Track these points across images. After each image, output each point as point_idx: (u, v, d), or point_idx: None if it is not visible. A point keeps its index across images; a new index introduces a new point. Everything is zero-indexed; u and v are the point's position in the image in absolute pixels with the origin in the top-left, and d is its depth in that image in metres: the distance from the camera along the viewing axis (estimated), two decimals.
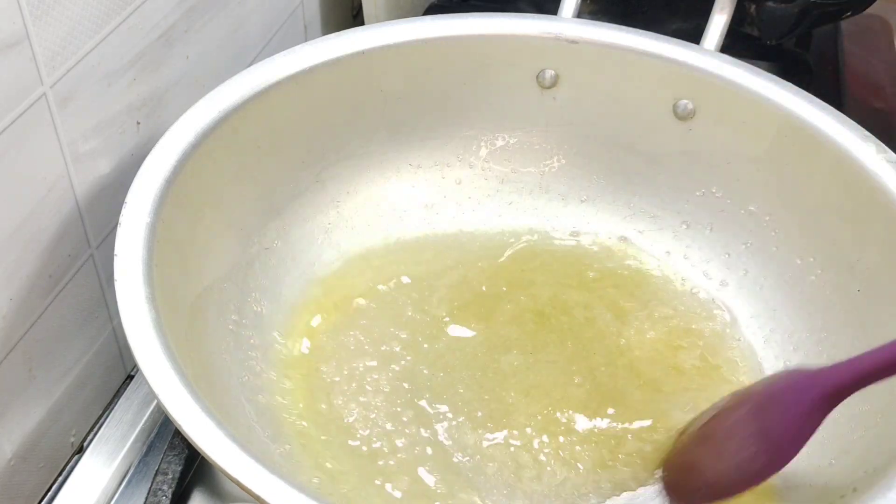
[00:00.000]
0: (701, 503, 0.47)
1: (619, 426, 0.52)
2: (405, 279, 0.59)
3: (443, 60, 0.60)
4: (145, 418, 0.53)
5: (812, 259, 0.56)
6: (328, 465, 0.49)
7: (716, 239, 0.60)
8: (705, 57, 0.58)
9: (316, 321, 0.56)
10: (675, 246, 0.61)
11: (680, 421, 0.51)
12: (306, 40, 0.59)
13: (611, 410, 0.52)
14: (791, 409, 0.43)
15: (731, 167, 0.59)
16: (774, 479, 0.50)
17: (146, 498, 0.48)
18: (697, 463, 0.48)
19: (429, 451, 0.50)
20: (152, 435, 0.53)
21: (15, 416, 0.48)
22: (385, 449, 0.50)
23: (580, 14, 0.65)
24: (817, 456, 0.49)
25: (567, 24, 0.60)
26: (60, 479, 0.52)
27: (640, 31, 0.59)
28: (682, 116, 0.59)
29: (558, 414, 0.52)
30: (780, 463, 0.44)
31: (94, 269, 0.52)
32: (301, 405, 0.52)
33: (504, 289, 0.59)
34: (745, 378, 0.55)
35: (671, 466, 0.49)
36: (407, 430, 0.51)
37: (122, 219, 0.46)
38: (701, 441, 0.48)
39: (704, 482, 0.47)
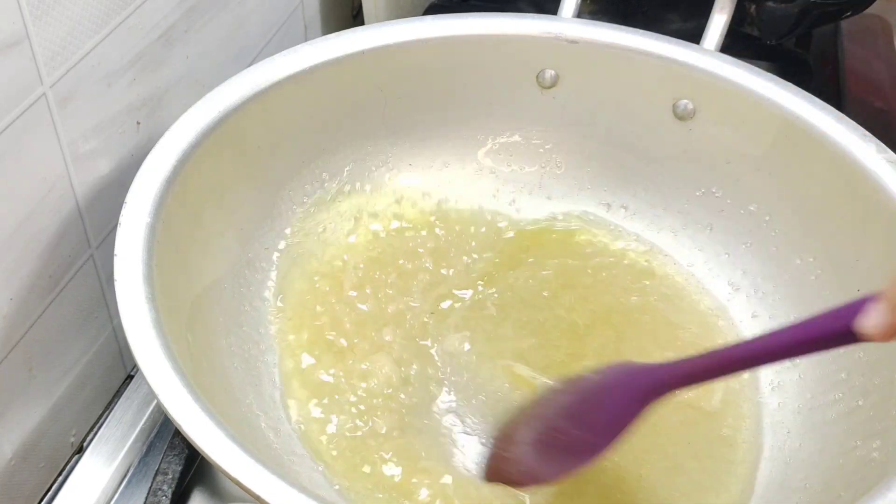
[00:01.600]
0: (518, 485, 0.48)
1: None
2: (404, 278, 0.59)
3: (443, 60, 0.60)
4: (145, 418, 0.53)
5: (812, 259, 0.56)
6: (327, 461, 0.49)
7: (716, 239, 0.60)
8: (705, 57, 0.58)
9: (316, 320, 0.56)
10: (675, 246, 0.61)
11: None
12: (306, 40, 0.59)
13: None
14: (612, 401, 0.45)
15: (731, 167, 0.59)
16: (776, 483, 0.50)
17: (146, 498, 0.48)
18: (521, 444, 0.48)
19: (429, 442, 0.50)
20: (152, 435, 0.53)
21: (15, 416, 0.48)
22: (387, 451, 0.50)
23: (580, 14, 0.65)
24: (818, 457, 0.49)
25: (567, 24, 0.60)
26: (60, 479, 0.52)
27: (640, 31, 0.59)
28: (682, 116, 0.59)
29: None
30: (597, 450, 0.45)
31: (94, 269, 0.52)
32: (302, 405, 0.52)
33: (503, 287, 0.59)
34: (742, 378, 0.55)
35: (499, 442, 0.50)
36: (412, 429, 0.51)
37: (122, 219, 0.46)
38: (529, 424, 0.49)
39: (524, 464, 0.48)
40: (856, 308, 0.35)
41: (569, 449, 0.46)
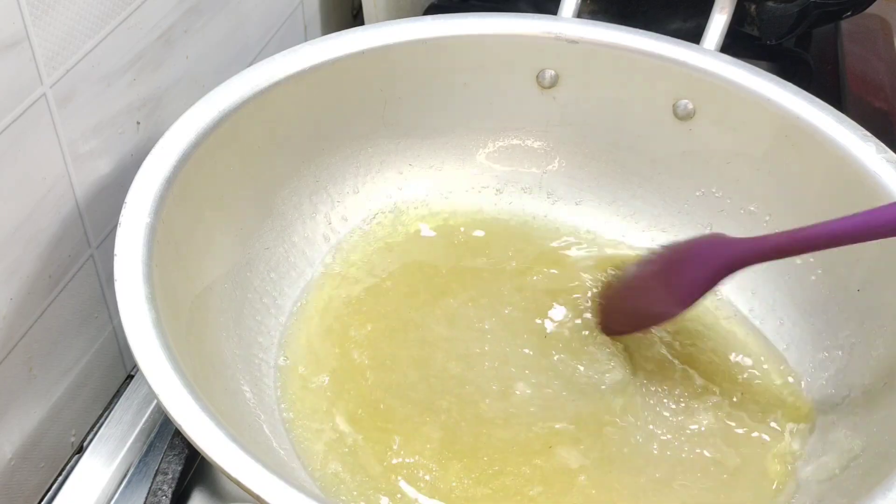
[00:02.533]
0: (622, 332, 0.56)
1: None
2: (404, 278, 0.59)
3: (443, 60, 0.60)
4: (145, 418, 0.53)
5: (812, 259, 0.55)
6: (332, 465, 0.49)
7: None
8: (705, 57, 0.58)
9: (315, 320, 0.56)
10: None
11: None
12: (306, 40, 0.59)
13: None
14: (696, 269, 0.52)
15: (731, 167, 0.59)
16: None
17: (146, 498, 0.48)
18: (622, 298, 0.57)
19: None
20: (152, 435, 0.53)
21: (15, 416, 0.48)
22: (390, 455, 0.50)
23: (580, 14, 0.65)
24: (818, 456, 0.49)
25: (567, 24, 0.60)
26: (60, 478, 0.52)
27: (640, 31, 0.59)
28: (682, 116, 0.59)
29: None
30: (679, 309, 0.52)
31: (94, 269, 0.52)
32: (302, 404, 0.52)
33: (503, 288, 0.59)
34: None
35: (603, 300, 0.57)
36: (410, 422, 0.51)
37: (122, 219, 0.46)
38: (628, 282, 0.57)
39: (626, 315, 0.56)
40: None
41: (657, 305, 0.54)
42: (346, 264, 0.59)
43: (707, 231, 0.60)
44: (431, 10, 0.78)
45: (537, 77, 0.61)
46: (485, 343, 0.56)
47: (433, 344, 0.55)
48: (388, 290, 0.58)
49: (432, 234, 0.62)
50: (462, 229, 0.62)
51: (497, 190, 0.64)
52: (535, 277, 0.60)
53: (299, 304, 0.57)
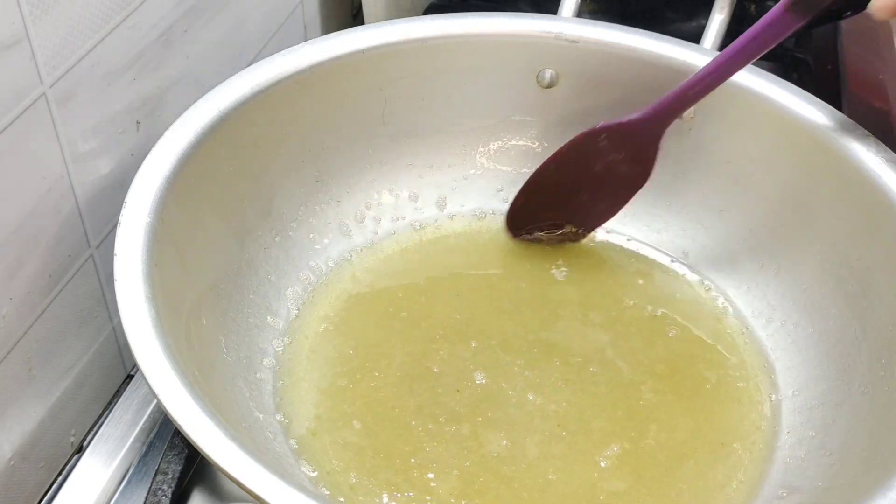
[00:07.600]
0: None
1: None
2: (404, 279, 0.59)
3: (443, 60, 0.60)
4: (145, 418, 0.54)
5: (812, 259, 0.56)
6: (333, 461, 0.49)
7: (715, 239, 0.60)
8: (705, 57, 0.58)
9: (315, 321, 0.56)
10: (675, 246, 0.61)
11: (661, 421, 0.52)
12: (306, 40, 0.59)
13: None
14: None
15: (731, 167, 0.59)
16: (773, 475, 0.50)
17: (146, 498, 0.48)
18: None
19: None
20: (152, 435, 0.53)
21: (15, 415, 0.48)
22: (389, 449, 0.50)
23: (580, 14, 0.65)
24: (817, 453, 0.49)
25: (567, 24, 0.60)
26: (60, 478, 0.52)
27: (640, 30, 0.60)
28: (682, 116, 0.59)
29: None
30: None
31: (94, 269, 0.52)
32: (301, 403, 0.52)
33: (502, 289, 0.59)
34: (739, 377, 0.55)
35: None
36: (411, 422, 0.51)
37: (121, 219, 0.46)
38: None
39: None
40: None
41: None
42: (347, 264, 0.59)
43: (708, 232, 0.60)
44: (431, 9, 0.78)
45: (537, 77, 0.61)
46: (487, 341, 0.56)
47: (436, 341, 0.56)
48: (388, 288, 0.58)
49: (432, 233, 0.62)
50: (461, 229, 0.62)
51: (497, 189, 0.64)
52: (532, 276, 0.60)
53: (299, 304, 0.56)
